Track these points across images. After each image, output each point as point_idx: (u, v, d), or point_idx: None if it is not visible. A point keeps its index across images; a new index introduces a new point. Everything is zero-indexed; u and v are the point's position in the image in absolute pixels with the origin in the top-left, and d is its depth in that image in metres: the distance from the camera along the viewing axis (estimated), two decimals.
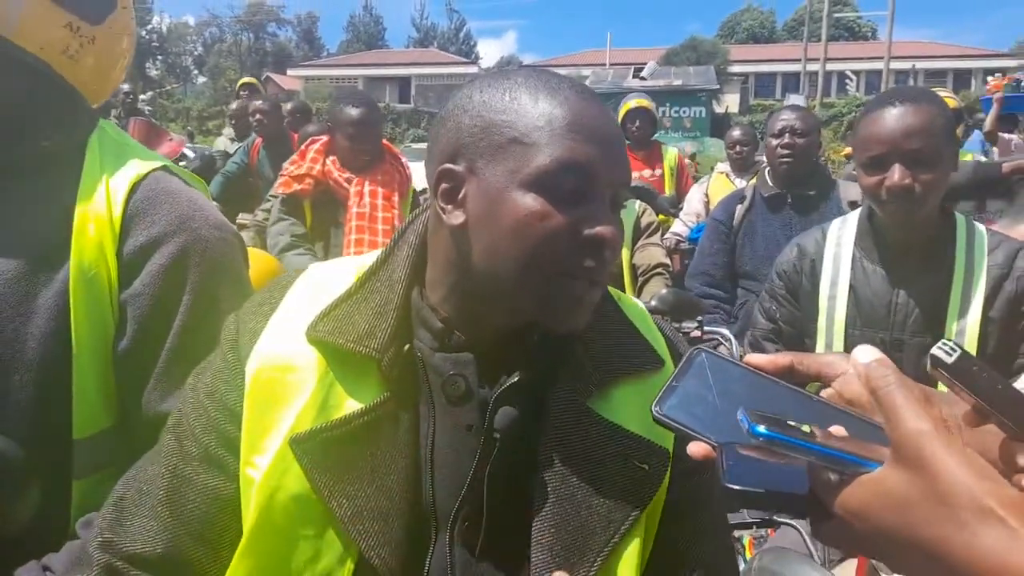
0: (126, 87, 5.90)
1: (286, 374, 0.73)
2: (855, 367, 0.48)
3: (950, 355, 0.46)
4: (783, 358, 0.56)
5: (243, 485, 0.73)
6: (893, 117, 1.45)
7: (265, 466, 0.71)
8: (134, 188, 0.98)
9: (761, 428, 0.46)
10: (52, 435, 0.92)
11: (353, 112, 2.67)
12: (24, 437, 0.90)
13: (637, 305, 0.86)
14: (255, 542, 0.71)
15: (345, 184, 2.67)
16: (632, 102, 4.54)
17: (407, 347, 0.74)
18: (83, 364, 0.93)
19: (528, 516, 0.71)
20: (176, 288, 0.97)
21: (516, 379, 0.72)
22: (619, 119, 4.66)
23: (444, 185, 0.71)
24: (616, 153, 0.70)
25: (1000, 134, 4.83)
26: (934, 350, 0.47)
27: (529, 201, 0.66)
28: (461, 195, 0.70)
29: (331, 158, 2.75)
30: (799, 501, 0.48)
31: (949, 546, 0.39)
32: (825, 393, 0.55)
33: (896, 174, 1.44)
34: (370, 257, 0.80)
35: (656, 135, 4.72)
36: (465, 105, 0.71)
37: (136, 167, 1.01)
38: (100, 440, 0.96)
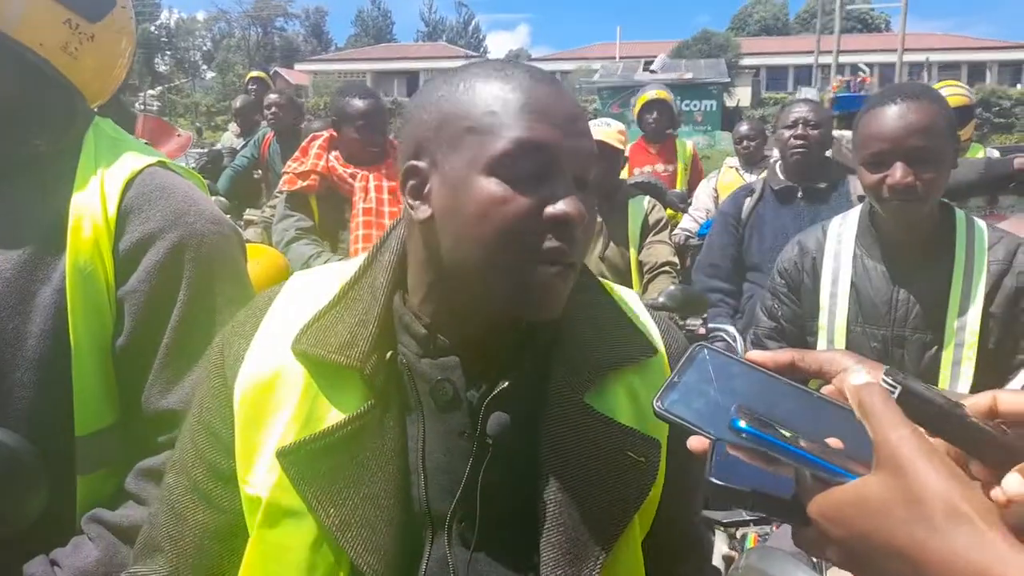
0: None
1: (271, 390, 0.73)
2: (847, 388, 0.48)
3: (893, 390, 0.47)
4: (784, 355, 0.56)
5: (245, 505, 0.74)
6: (895, 115, 1.45)
7: (258, 482, 0.72)
8: (129, 184, 0.98)
9: (742, 423, 0.47)
10: (55, 432, 0.93)
11: (360, 104, 2.66)
12: (27, 435, 0.91)
13: (628, 295, 0.86)
14: (253, 557, 0.73)
15: (349, 180, 2.66)
16: (651, 93, 4.51)
17: (390, 354, 0.74)
18: (82, 361, 0.93)
19: (529, 513, 0.72)
20: (173, 283, 0.97)
21: (505, 386, 0.72)
22: (636, 111, 4.65)
23: (411, 182, 0.72)
24: (575, 130, 0.69)
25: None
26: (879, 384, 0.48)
27: (490, 186, 0.66)
28: (426, 190, 0.71)
29: (334, 153, 2.72)
30: (782, 505, 0.48)
31: (923, 549, 0.40)
32: (826, 390, 0.55)
33: (898, 172, 1.43)
34: (352, 265, 0.80)
35: (678, 132, 4.66)
36: (423, 102, 0.72)
37: (131, 163, 1.01)
38: (103, 437, 0.96)
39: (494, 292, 0.69)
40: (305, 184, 2.70)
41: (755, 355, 0.56)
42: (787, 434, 0.47)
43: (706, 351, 0.57)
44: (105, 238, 0.95)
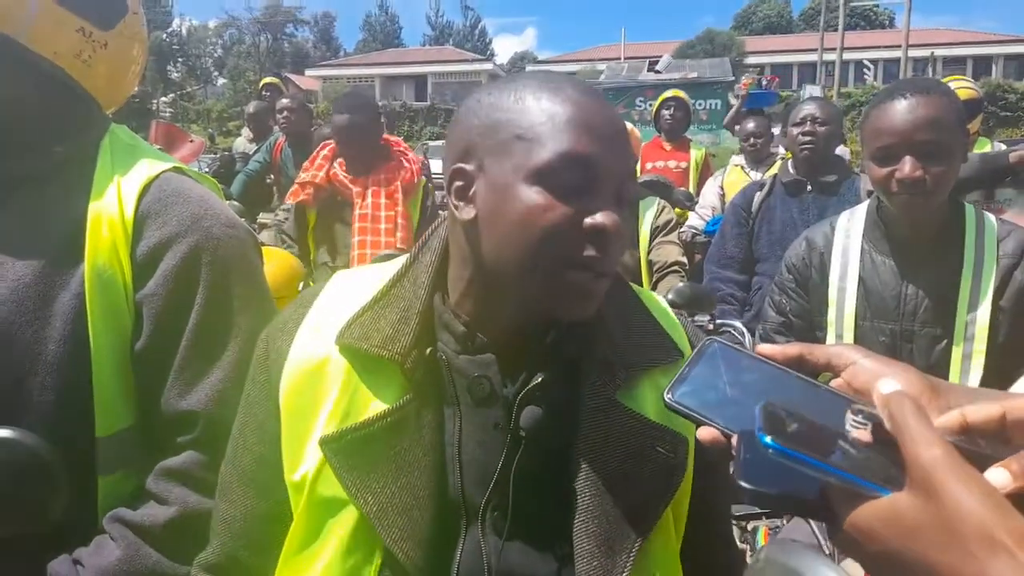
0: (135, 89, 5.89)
1: (315, 381, 0.77)
2: (876, 397, 0.48)
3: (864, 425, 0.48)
4: (793, 348, 0.56)
5: (290, 491, 0.78)
6: (903, 109, 1.44)
7: (303, 470, 0.76)
8: (145, 190, 0.99)
9: (769, 439, 0.46)
10: (75, 434, 0.94)
11: (337, 120, 2.73)
12: (48, 436, 0.91)
13: (657, 299, 0.89)
14: (294, 541, 0.76)
15: (350, 185, 2.73)
16: (669, 92, 4.67)
17: (429, 350, 0.77)
18: (102, 364, 0.95)
19: (562, 505, 0.74)
20: (190, 287, 0.98)
21: (540, 380, 0.75)
22: (655, 109, 4.74)
23: (457, 183, 0.75)
24: (618, 146, 0.73)
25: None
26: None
27: (533, 194, 0.69)
28: (472, 192, 0.74)
29: (339, 160, 2.82)
30: (813, 505, 0.48)
31: (958, 575, 0.40)
32: (835, 383, 0.56)
33: (907, 166, 1.43)
34: (395, 265, 0.83)
35: (687, 130, 4.76)
36: (474, 108, 0.75)
37: (147, 169, 1.02)
38: (123, 438, 0.98)
39: (530, 293, 0.73)
40: (303, 198, 2.82)
41: (764, 349, 0.57)
42: (821, 447, 0.46)
43: (716, 344, 0.58)
44: (123, 243, 0.96)
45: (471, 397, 0.76)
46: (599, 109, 0.73)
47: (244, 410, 0.84)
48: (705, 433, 0.54)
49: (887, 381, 0.49)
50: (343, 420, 0.75)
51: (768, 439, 0.46)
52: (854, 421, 0.50)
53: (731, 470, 0.50)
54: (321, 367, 0.77)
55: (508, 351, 0.76)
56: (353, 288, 0.82)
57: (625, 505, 0.74)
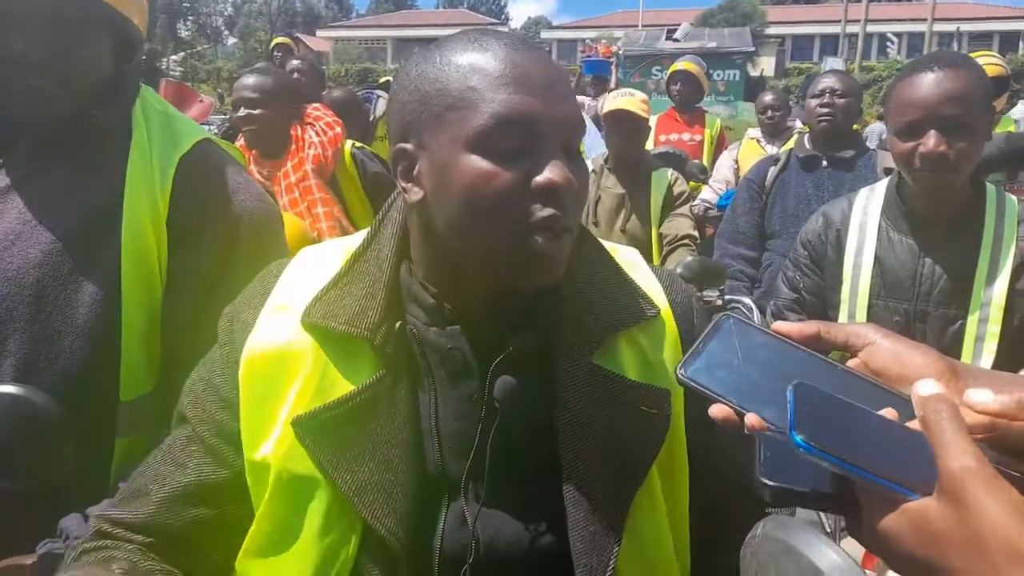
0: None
1: (282, 362, 0.74)
2: (914, 398, 0.47)
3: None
4: (810, 326, 0.55)
5: (249, 471, 0.75)
6: (930, 82, 1.41)
7: (271, 451, 0.73)
8: (183, 160, 1.02)
9: (801, 439, 0.45)
10: (98, 397, 0.97)
11: (241, 82, 2.38)
12: (72, 397, 0.94)
13: (628, 254, 0.87)
14: (266, 521, 0.74)
15: (264, 180, 2.39)
16: (680, 64, 4.51)
17: (399, 324, 0.75)
18: (131, 333, 0.97)
19: (546, 472, 0.74)
20: (224, 258, 1.01)
21: (510, 350, 0.73)
22: (666, 80, 4.65)
23: (400, 165, 0.73)
24: (558, 95, 0.69)
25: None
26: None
27: (474, 163, 0.67)
28: (416, 171, 0.72)
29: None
30: (835, 500, 0.48)
31: None
32: (852, 363, 0.55)
33: (931, 140, 1.40)
34: (357, 238, 0.81)
35: (700, 102, 4.66)
36: (404, 83, 0.72)
37: (183, 139, 1.04)
38: (143, 402, 1.00)
39: (493, 265, 0.71)
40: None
41: (780, 326, 0.56)
42: (852, 450, 0.45)
43: (732, 320, 0.57)
44: (160, 214, 0.98)
45: (444, 370, 0.75)
46: (531, 60, 0.69)
47: (205, 377, 0.80)
48: (718, 411, 0.53)
49: (926, 383, 0.48)
50: (314, 399, 0.73)
51: (801, 439, 0.45)
52: (881, 413, 0.48)
53: (755, 469, 0.49)
54: (287, 348, 0.75)
55: (479, 321, 0.75)
56: (318, 264, 0.80)
57: (612, 468, 0.73)
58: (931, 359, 0.52)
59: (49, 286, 0.94)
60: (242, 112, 2.32)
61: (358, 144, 2.65)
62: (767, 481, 0.47)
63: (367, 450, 0.72)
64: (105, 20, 0.95)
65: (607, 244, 0.85)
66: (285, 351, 0.75)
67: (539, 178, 0.67)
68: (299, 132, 2.44)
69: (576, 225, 0.73)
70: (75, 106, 0.97)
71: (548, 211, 0.67)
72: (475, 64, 0.68)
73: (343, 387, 0.73)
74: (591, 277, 0.79)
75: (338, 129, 2.53)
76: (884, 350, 0.53)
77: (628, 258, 0.85)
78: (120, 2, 0.95)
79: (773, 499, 0.49)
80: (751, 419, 0.50)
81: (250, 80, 2.34)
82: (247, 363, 0.75)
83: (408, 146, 0.72)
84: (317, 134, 2.45)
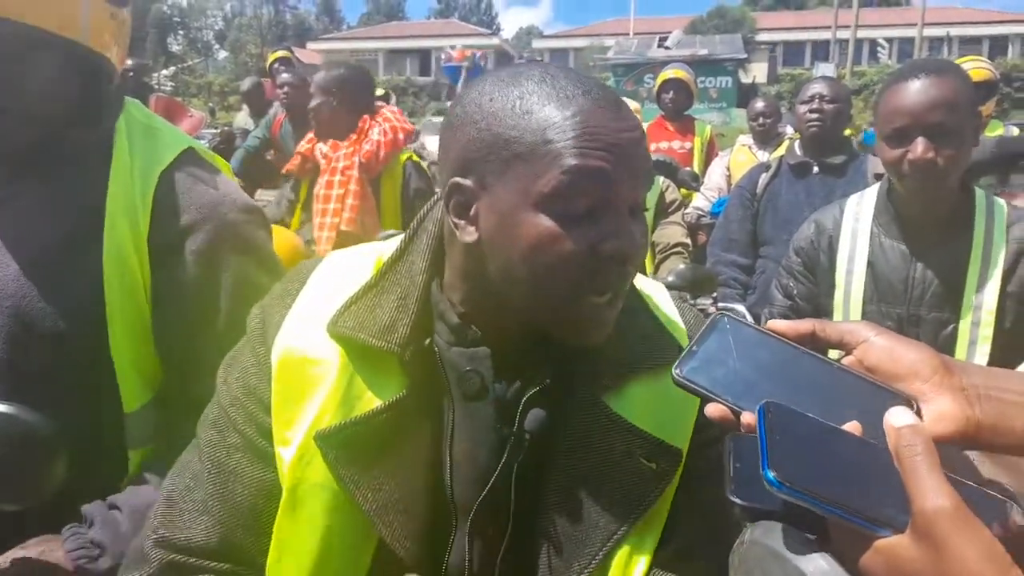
0: (129, 63, 5.81)
1: (307, 367, 0.73)
2: (886, 428, 0.47)
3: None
4: (805, 324, 0.55)
5: (278, 465, 0.74)
6: (917, 89, 1.43)
7: (289, 457, 0.72)
8: (163, 175, 1.01)
9: (774, 477, 0.44)
10: (105, 409, 0.98)
11: (316, 79, 2.61)
12: (77, 411, 0.95)
13: (655, 289, 0.84)
14: (280, 528, 0.73)
15: (321, 159, 2.63)
16: (670, 72, 4.50)
17: (428, 341, 0.74)
18: (119, 344, 0.97)
19: (542, 507, 0.72)
20: (209, 272, 1.00)
21: (547, 383, 0.71)
22: (656, 88, 4.64)
23: (455, 199, 0.69)
24: (634, 160, 0.66)
25: None
26: None
27: (541, 222, 0.64)
28: (472, 211, 0.68)
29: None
30: (806, 521, 0.46)
31: None
32: (846, 360, 0.55)
33: (919, 147, 1.41)
34: (390, 245, 0.80)
35: (691, 109, 4.66)
36: (474, 115, 0.67)
37: (164, 153, 1.03)
38: (145, 414, 1.01)
39: (541, 318, 0.69)
40: (290, 166, 2.76)
41: (776, 324, 0.56)
42: (827, 489, 0.44)
43: (727, 320, 0.57)
44: (141, 228, 0.97)
45: (461, 391, 0.74)
46: (612, 117, 0.65)
47: (241, 381, 0.78)
48: (713, 409, 0.52)
49: (899, 412, 0.47)
50: (339, 413, 0.71)
51: (773, 476, 0.44)
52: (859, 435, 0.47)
53: (725, 487, 0.48)
54: (314, 354, 0.73)
55: (502, 347, 0.73)
56: (347, 269, 0.79)
57: (591, 511, 0.71)
58: (925, 356, 0.52)
59: (29, 296, 0.94)
60: (314, 103, 2.54)
61: (415, 158, 2.75)
62: (737, 500, 0.47)
63: (391, 469, 0.71)
64: (52, 46, 0.92)
65: (635, 283, 0.79)
66: (311, 357, 0.73)
67: (609, 247, 0.64)
68: (366, 126, 2.57)
69: (628, 287, 0.71)
70: (43, 131, 0.97)
71: (611, 278, 0.66)
72: (556, 118, 0.64)
73: (369, 401, 0.71)
74: (619, 318, 0.74)
75: (401, 136, 2.63)
76: (878, 347, 0.53)
77: (653, 295, 0.82)
78: (65, 27, 0.92)
79: (743, 517, 0.48)
80: (747, 418, 0.50)
81: (321, 74, 2.58)
82: (280, 364, 0.74)
83: (467, 183, 0.68)
84: (379, 134, 2.56)
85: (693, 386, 0.53)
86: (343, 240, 2.41)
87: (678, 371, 0.54)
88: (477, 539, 0.74)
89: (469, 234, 0.69)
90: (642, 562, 0.71)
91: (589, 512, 0.71)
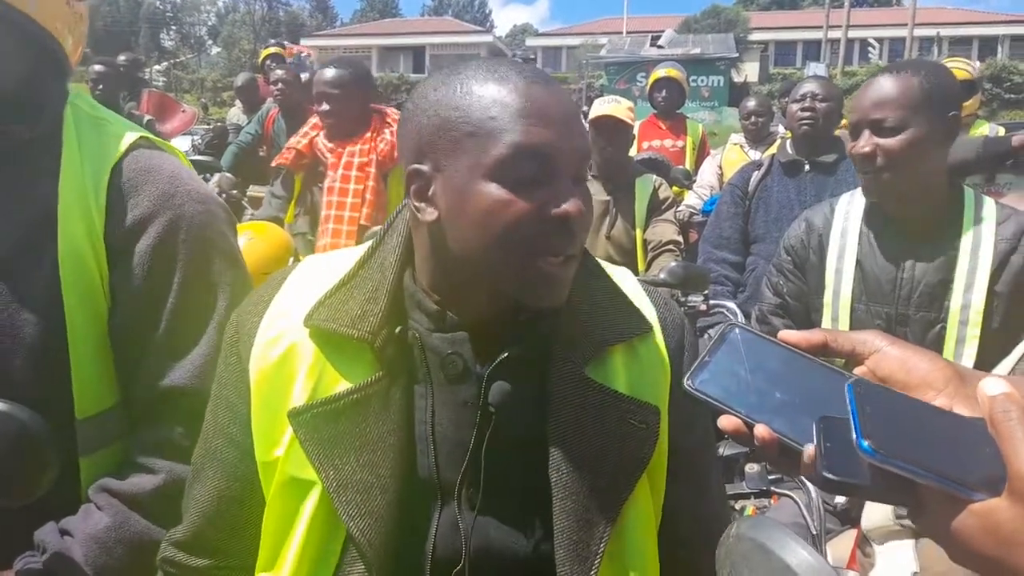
0: (122, 58, 5.72)
1: (285, 362, 0.77)
2: (980, 397, 0.47)
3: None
4: (817, 335, 0.55)
5: (262, 473, 0.78)
6: (872, 87, 1.53)
7: (277, 452, 0.76)
8: (114, 169, 0.98)
9: (868, 445, 0.44)
10: (56, 416, 0.92)
11: (320, 75, 2.61)
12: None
13: (622, 274, 0.90)
14: (269, 525, 0.77)
15: (328, 154, 2.64)
16: (662, 71, 4.52)
17: (400, 329, 0.77)
18: (79, 347, 0.94)
19: (537, 481, 0.75)
20: (165, 266, 0.97)
21: (506, 355, 0.76)
22: (648, 87, 4.65)
23: (415, 185, 0.75)
24: (572, 130, 0.73)
25: None
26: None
27: (492, 191, 0.70)
28: (431, 192, 0.74)
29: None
30: (895, 494, 0.47)
31: None
32: (858, 371, 0.54)
33: (860, 141, 1.50)
34: (363, 247, 0.84)
35: (683, 108, 4.68)
36: (422, 105, 0.75)
37: (114, 145, 1.00)
38: (104, 419, 0.98)
39: (501, 285, 0.74)
40: (282, 159, 2.76)
41: (787, 335, 0.56)
42: (921, 452, 0.45)
43: (738, 330, 0.57)
44: (95, 225, 0.95)
45: (444, 375, 0.77)
46: (549, 94, 0.72)
47: (216, 391, 0.84)
48: (727, 422, 0.53)
49: (993, 382, 0.47)
50: (311, 396, 0.75)
51: (868, 445, 0.44)
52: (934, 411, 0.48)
53: (816, 466, 0.48)
54: (290, 349, 0.77)
55: (480, 329, 0.77)
56: (322, 271, 0.83)
57: (600, 480, 0.75)
58: (938, 366, 0.52)
59: None
60: (323, 107, 2.58)
61: None
62: (829, 475, 0.46)
63: (353, 449, 0.74)
64: (22, 30, 0.90)
65: (601, 263, 0.87)
66: (288, 352, 0.77)
67: (556, 210, 0.70)
68: (378, 125, 2.64)
69: (580, 251, 0.76)
70: None
71: (560, 239, 0.71)
72: (496, 95, 0.71)
73: (339, 387, 0.75)
74: (586, 294, 0.81)
75: None
76: (891, 357, 0.53)
77: (621, 278, 0.88)
78: (37, 14, 0.90)
79: (832, 491, 0.48)
80: (760, 430, 0.50)
81: (328, 73, 2.60)
82: (257, 370, 0.78)
83: (424, 167, 0.74)
84: (391, 134, 2.64)
85: (705, 397, 0.53)
86: (362, 235, 2.47)
87: (690, 382, 0.54)
88: (467, 512, 0.76)
89: (429, 214, 0.74)
90: (649, 510, 0.79)
91: (599, 479, 0.75)
